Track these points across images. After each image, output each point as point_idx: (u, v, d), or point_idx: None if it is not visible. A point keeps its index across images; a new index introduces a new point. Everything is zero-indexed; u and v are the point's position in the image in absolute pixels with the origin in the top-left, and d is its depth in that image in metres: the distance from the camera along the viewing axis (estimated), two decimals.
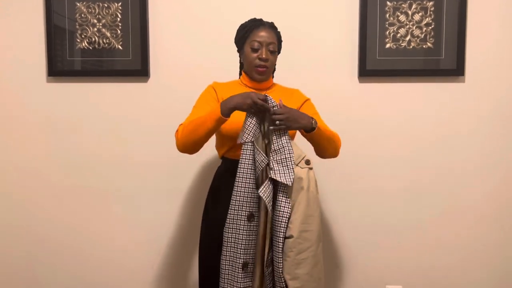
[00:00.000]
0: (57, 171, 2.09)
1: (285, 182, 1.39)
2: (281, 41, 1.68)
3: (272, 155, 1.43)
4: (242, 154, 1.44)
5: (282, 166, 1.41)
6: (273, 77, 1.73)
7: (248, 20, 1.66)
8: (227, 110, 1.44)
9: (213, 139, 1.64)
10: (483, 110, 1.98)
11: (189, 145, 1.51)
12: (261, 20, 1.64)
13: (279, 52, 1.69)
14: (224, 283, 1.46)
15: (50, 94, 2.07)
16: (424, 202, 2.02)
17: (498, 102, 1.98)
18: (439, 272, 2.04)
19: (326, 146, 1.56)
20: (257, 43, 1.58)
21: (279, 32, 1.66)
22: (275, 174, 1.40)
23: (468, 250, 2.03)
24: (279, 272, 1.41)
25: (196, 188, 2.06)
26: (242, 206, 1.43)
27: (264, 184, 1.39)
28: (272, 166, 1.42)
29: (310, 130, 1.48)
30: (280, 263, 1.41)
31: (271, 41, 1.59)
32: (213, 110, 1.46)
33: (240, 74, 1.73)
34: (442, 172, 2.01)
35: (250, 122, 1.43)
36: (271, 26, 1.63)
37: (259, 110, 1.43)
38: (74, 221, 2.10)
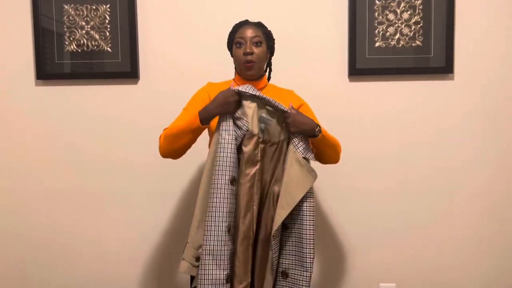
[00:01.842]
0: (48, 174, 2.08)
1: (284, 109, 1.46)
2: (273, 39, 1.66)
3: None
4: (222, 122, 1.46)
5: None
6: (269, 78, 1.70)
7: (236, 23, 1.66)
8: (207, 119, 1.47)
9: (206, 138, 1.63)
10: (472, 107, 1.99)
11: (171, 152, 1.55)
12: (246, 20, 1.64)
13: (272, 52, 1.67)
14: (210, 249, 1.43)
15: (39, 98, 2.05)
16: (415, 200, 2.03)
17: (487, 99, 1.99)
18: (432, 270, 2.05)
19: (327, 153, 1.58)
20: (240, 38, 1.58)
21: (267, 29, 1.64)
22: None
23: (461, 247, 2.04)
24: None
25: (189, 189, 2.06)
26: (226, 171, 1.44)
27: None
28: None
29: (312, 136, 1.49)
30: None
31: (255, 35, 1.57)
32: (192, 119, 1.47)
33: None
34: (432, 170, 2.02)
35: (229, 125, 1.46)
36: (256, 24, 1.62)
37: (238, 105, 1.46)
38: (66, 223, 2.09)
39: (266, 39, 1.62)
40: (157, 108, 2.03)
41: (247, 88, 1.45)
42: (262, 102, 1.47)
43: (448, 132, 2.00)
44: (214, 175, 1.43)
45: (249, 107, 1.47)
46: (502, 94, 1.98)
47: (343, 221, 2.05)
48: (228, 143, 1.44)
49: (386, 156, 2.02)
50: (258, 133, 1.48)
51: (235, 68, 1.68)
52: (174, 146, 1.51)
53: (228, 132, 1.45)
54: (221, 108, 1.45)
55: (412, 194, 2.03)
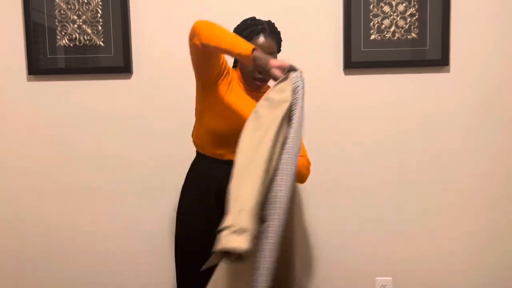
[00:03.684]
0: (41, 171, 2.06)
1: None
2: (281, 40, 1.61)
3: None
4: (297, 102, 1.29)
5: None
6: None
7: (250, 21, 1.57)
8: (256, 59, 1.31)
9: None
10: (468, 99, 1.98)
11: (208, 39, 1.37)
12: (263, 24, 1.55)
13: (279, 51, 1.63)
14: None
15: (31, 93, 2.03)
16: (411, 194, 2.02)
17: (482, 92, 1.98)
18: (428, 264, 2.05)
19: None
20: None
21: (279, 35, 1.59)
22: None
23: (457, 241, 2.03)
24: None
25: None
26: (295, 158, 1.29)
27: None
28: None
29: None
30: None
31: (271, 50, 1.52)
32: (244, 43, 1.35)
33: (234, 66, 1.67)
34: (428, 163, 2.01)
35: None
36: (272, 32, 1.55)
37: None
38: (60, 219, 2.08)
39: (278, 48, 1.59)
40: (151, 102, 2.01)
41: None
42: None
43: (444, 125, 1.99)
44: (287, 154, 1.24)
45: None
46: (498, 86, 1.97)
47: (339, 216, 2.04)
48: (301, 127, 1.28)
49: (381, 150, 2.01)
50: None
51: (237, 64, 1.63)
52: (213, 39, 1.36)
53: (302, 112, 1.27)
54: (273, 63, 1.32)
55: (407, 188, 2.02)
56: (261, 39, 1.53)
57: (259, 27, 1.54)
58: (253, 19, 1.59)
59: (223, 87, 1.53)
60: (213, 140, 1.58)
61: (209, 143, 1.60)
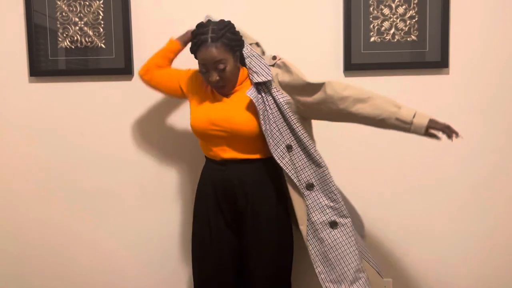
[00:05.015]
0: (42, 172, 2.06)
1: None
2: (237, 39, 1.54)
3: None
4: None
5: None
6: (247, 68, 1.61)
7: (193, 32, 1.56)
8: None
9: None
10: (467, 101, 1.99)
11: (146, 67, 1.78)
12: (203, 33, 1.49)
13: (240, 49, 1.58)
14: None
15: (32, 95, 2.04)
16: (412, 194, 2.02)
17: (482, 93, 1.98)
18: (429, 265, 2.05)
19: None
20: (202, 65, 1.52)
21: (227, 35, 1.49)
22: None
23: (458, 241, 2.03)
24: None
25: (183, 186, 2.05)
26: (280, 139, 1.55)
27: None
28: None
29: None
30: None
31: (217, 59, 1.48)
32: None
33: None
34: (428, 164, 2.01)
35: None
36: (214, 39, 1.47)
37: None
38: (60, 221, 2.08)
39: (230, 49, 1.51)
40: (151, 104, 2.02)
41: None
42: None
43: None
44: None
45: None
46: (497, 88, 1.98)
47: None
48: None
49: (381, 151, 2.02)
50: None
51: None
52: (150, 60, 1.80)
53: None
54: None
55: (407, 188, 2.02)
56: (202, 50, 1.49)
57: (199, 40, 1.50)
58: (197, 27, 1.55)
59: (190, 93, 1.71)
60: (200, 139, 1.68)
61: (200, 143, 1.70)
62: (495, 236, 2.03)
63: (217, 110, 1.60)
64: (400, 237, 2.04)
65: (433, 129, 1.45)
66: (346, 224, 1.58)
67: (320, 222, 1.56)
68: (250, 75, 1.59)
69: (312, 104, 1.55)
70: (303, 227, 1.57)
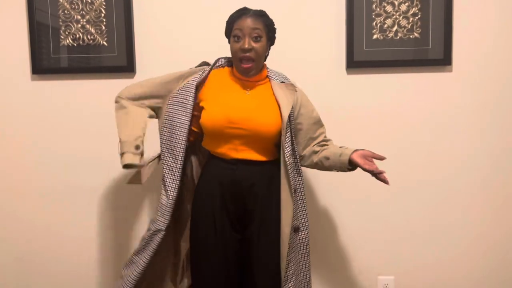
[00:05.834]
0: (44, 170, 2.07)
1: None
2: (274, 29, 1.57)
3: None
4: None
5: None
6: (268, 69, 1.64)
7: (235, 11, 1.58)
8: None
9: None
10: (470, 99, 1.98)
11: None
12: (245, 8, 1.54)
13: (272, 42, 1.61)
14: None
15: (35, 92, 2.04)
16: (414, 192, 2.02)
17: (485, 91, 1.98)
18: (431, 263, 2.05)
19: None
20: (238, 31, 1.50)
21: (268, 19, 1.54)
22: None
23: (459, 241, 2.04)
24: None
25: None
26: None
27: None
28: None
29: None
30: None
31: (255, 27, 1.48)
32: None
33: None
34: (431, 163, 2.01)
35: None
36: (257, 14, 1.51)
37: None
38: (60, 220, 2.09)
39: (267, 31, 1.54)
40: None
41: None
42: None
43: (447, 124, 1.99)
44: None
45: None
46: (500, 85, 1.97)
47: (342, 215, 2.05)
48: None
49: (384, 149, 2.00)
50: None
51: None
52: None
53: None
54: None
55: (410, 186, 2.02)
56: (243, 19, 1.50)
57: (241, 11, 1.54)
58: (238, 9, 1.57)
59: (199, 87, 1.61)
60: (210, 137, 1.61)
61: (206, 142, 1.64)
62: (499, 235, 2.03)
63: (237, 109, 1.53)
64: (402, 235, 2.04)
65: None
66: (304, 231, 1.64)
67: (292, 226, 1.57)
68: (271, 79, 1.62)
69: (299, 132, 1.65)
70: (287, 228, 1.54)
